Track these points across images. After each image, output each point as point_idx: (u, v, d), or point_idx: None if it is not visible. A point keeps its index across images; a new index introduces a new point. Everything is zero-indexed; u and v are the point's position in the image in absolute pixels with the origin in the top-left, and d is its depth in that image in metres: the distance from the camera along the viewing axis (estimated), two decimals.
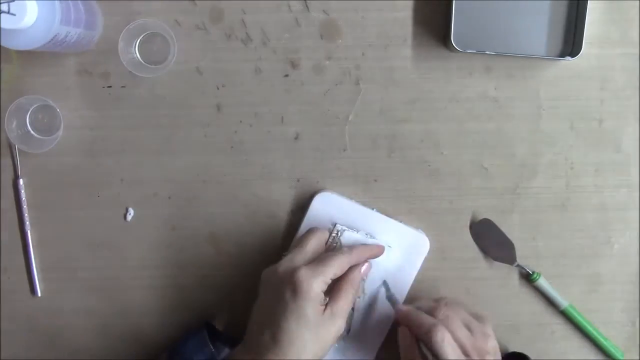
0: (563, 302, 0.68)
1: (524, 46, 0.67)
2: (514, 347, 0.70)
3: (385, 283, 0.66)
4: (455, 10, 0.64)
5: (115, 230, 0.69)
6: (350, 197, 0.68)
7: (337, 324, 0.57)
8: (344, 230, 0.65)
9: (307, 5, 0.67)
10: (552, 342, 0.70)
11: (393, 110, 0.68)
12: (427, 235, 0.68)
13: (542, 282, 0.68)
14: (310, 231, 0.63)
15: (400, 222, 0.67)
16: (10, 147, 0.68)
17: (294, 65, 0.68)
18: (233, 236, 0.69)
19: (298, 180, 0.69)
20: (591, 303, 0.70)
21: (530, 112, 0.68)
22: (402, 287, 0.67)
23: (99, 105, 0.68)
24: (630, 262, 0.70)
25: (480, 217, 0.69)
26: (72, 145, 0.68)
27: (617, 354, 0.69)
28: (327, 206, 0.67)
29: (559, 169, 0.69)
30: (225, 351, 0.66)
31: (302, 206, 0.68)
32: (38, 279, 0.69)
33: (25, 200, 0.69)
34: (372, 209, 0.68)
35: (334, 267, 0.58)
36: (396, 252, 0.67)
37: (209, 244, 0.69)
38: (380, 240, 0.66)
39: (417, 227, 0.68)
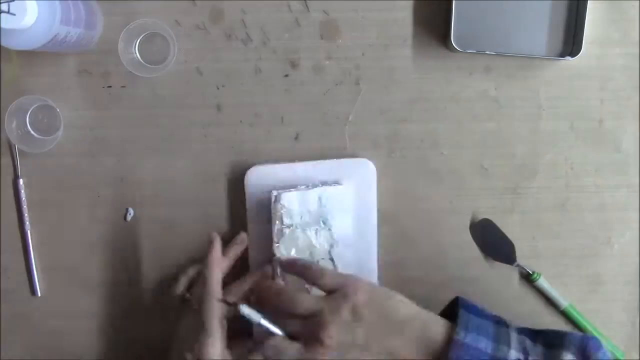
0: (563, 302, 0.68)
1: (524, 46, 0.67)
2: None
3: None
4: (455, 10, 0.64)
5: (115, 230, 0.69)
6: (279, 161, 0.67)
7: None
8: (281, 193, 0.64)
9: (307, 5, 0.67)
10: None
11: (393, 110, 0.68)
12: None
13: (542, 282, 0.68)
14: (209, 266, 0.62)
15: (337, 158, 0.67)
16: (10, 147, 0.68)
17: (294, 65, 0.68)
18: (233, 236, 0.69)
19: None
20: (591, 303, 0.70)
21: (530, 112, 0.68)
22: (370, 217, 0.67)
23: (99, 105, 0.68)
24: (630, 262, 0.70)
25: (480, 217, 0.69)
26: (72, 145, 0.68)
27: (617, 354, 0.69)
28: (262, 179, 0.66)
29: (559, 169, 0.69)
30: None
31: None
32: (38, 279, 0.69)
33: (25, 200, 0.69)
34: (303, 161, 0.67)
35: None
36: (348, 187, 0.66)
37: (209, 244, 0.69)
38: (329, 180, 0.66)
39: (355, 155, 0.68)
